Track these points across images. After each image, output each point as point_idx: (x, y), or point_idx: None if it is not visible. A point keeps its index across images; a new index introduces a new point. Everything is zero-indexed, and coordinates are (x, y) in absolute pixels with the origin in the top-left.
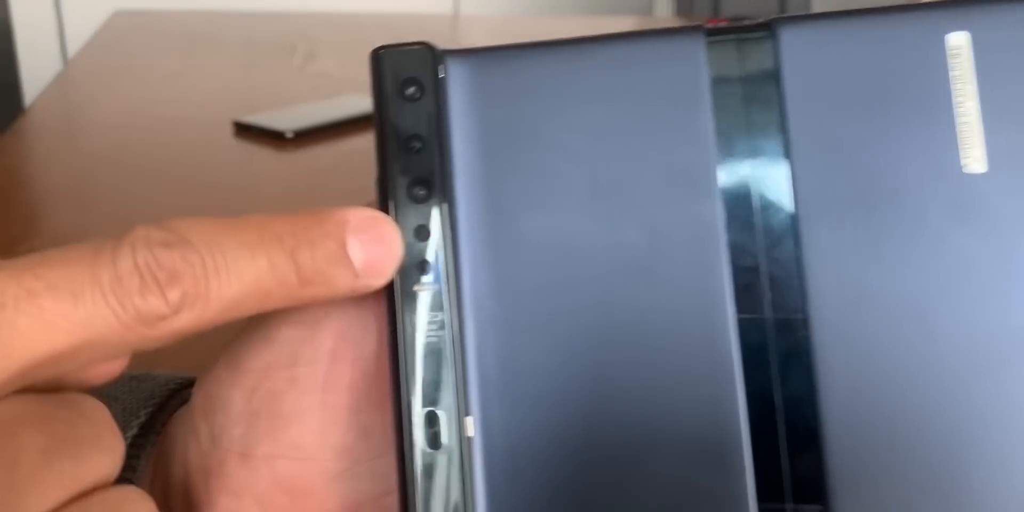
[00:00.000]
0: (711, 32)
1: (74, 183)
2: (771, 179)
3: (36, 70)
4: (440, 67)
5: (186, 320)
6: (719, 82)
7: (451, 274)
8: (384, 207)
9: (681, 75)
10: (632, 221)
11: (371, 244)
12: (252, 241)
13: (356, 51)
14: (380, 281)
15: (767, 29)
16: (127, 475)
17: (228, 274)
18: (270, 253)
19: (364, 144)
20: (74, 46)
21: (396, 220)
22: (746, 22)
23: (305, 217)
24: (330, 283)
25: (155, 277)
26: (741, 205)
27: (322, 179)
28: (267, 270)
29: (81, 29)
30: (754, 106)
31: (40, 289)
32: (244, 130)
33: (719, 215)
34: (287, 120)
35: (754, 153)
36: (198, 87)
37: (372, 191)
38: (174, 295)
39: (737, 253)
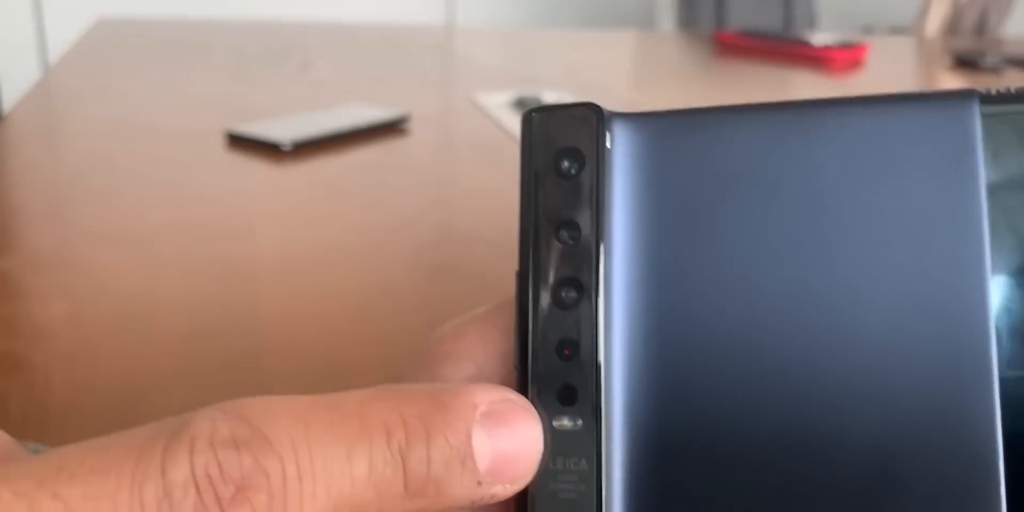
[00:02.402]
0: (986, 100)
1: (54, 197)
2: None
3: (14, 78)
4: (607, 134)
5: None
6: (993, 164)
7: (603, 408)
8: (524, 312)
9: (943, 152)
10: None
11: (504, 439)
12: (351, 435)
13: (354, 59)
14: (509, 490)
15: None
16: None
17: (315, 485)
18: (372, 453)
19: (367, 156)
20: (55, 55)
21: (535, 331)
22: None
23: (421, 395)
24: (445, 493)
25: (216, 494)
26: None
27: (323, 194)
28: (365, 477)
29: (62, 37)
30: None
31: None
32: (237, 142)
33: (991, 340)
34: (283, 131)
35: None
36: (187, 96)
37: (383, 214)
38: None
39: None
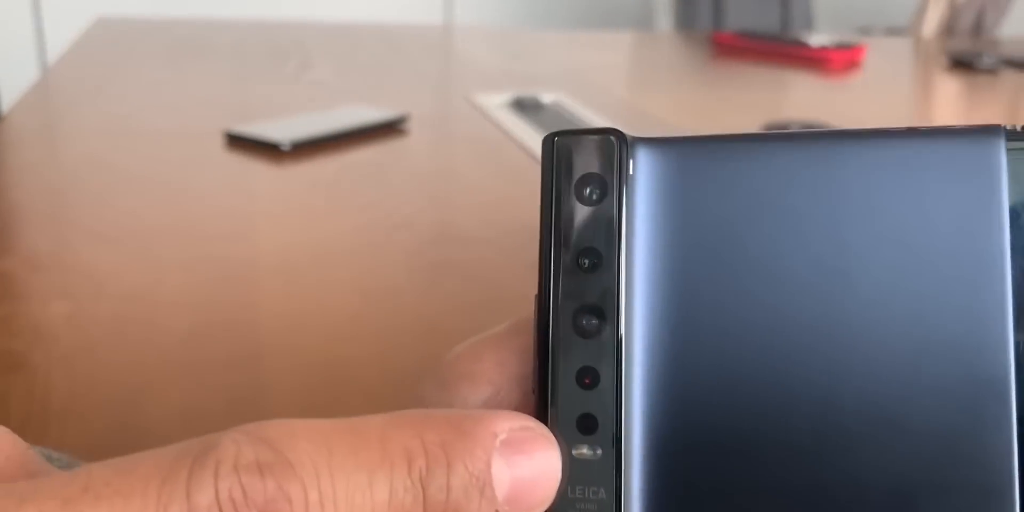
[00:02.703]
0: (1012, 136)
1: (53, 197)
2: None
3: (13, 78)
4: (630, 162)
5: None
6: (1019, 200)
7: (623, 438)
8: (544, 339)
9: (968, 189)
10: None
11: (522, 467)
12: (372, 461)
13: (353, 60)
14: None
15: None
16: None
17: (336, 510)
18: (394, 480)
19: (366, 156)
20: (54, 54)
21: (555, 359)
22: None
23: (442, 422)
24: None
25: None
26: None
27: (322, 194)
28: (386, 504)
29: (61, 37)
30: None
31: None
32: (236, 141)
33: (1011, 378)
34: (283, 131)
35: None
36: (186, 96)
37: (382, 214)
38: None
39: None
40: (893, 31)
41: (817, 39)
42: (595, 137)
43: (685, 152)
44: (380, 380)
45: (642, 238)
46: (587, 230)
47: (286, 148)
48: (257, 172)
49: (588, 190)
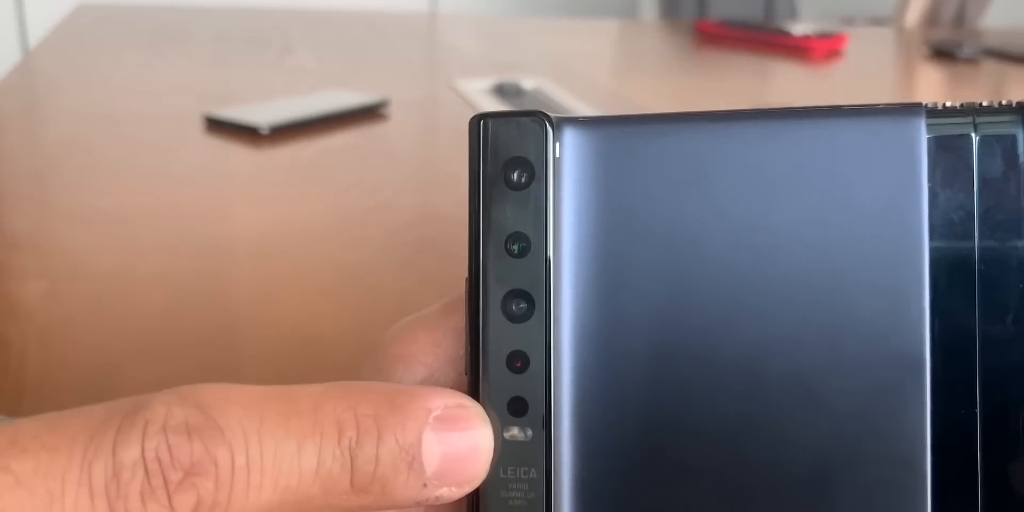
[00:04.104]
0: (932, 113)
1: (33, 178)
2: (998, 303)
3: None
4: (556, 145)
5: None
6: (939, 178)
7: (553, 420)
8: (475, 323)
9: (888, 166)
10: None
11: (453, 444)
12: (303, 430)
13: (335, 46)
14: (456, 493)
15: (1014, 113)
16: None
17: (262, 476)
18: (322, 448)
19: (345, 140)
20: (35, 38)
21: (486, 344)
22: (984, 103)
23: (377, 395)
24: (390, 492)
25: (164, 477)
26: (957, 337)
27: (300, 177)
28: (313, 472)
29: (43, 21)
30: (984, 209)
31: (7, 486)
32: (216, 125)
33: (927, 356)
34: (262, 115)
35: (972, 265)
36: (167, 80)
37: (359, 196)
38: (185, 503)
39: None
40: (877, 21)
41: (799, 28)
42: (521, 120)
43: (612, 133)
44: (354, 356)
45: (571, 221)
46: (515, 215)
47: (265, 132)
48: (236, 155)
49: (516, 174)
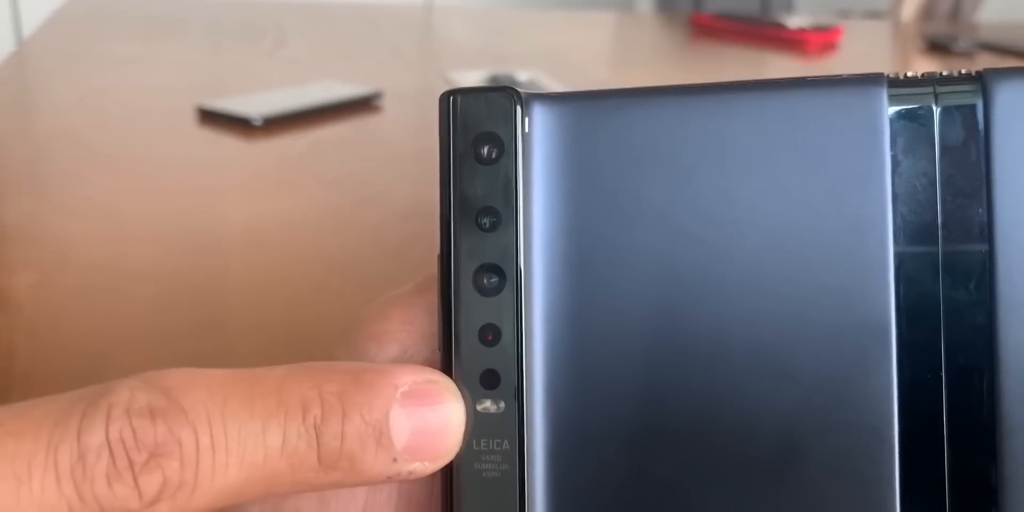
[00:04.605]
0: (893, 83)
1: (25, 170)
2: (961, 269)
3: None
4: (525, 120)
5: None
6: (901, 148)
7: (524, 391)
8: (447, 298)
9: (851, 137)
10: (783, 330)
11: (423, 418)
12: (267, 410)
13: (329, 38)
14: (428, 468)
15: (973, 82)
16: None
17: (228, 455)
18: (287, 427)
19: (338, 132)
20: (29, 29)
21: (458, 318)
22: (944, 73)
23: (342, 374)
24: (359, 468)
25: (129, 458)
26: (921, 303)
27: (293, 169)
28: (279, 449)
29: (37, 12)
30: (946, 177)
31: None
32: (209, 117)
33: (892, 323)
34: (255, 106)
35: (935, 232)
36: (160, 72)
37: (352, 188)
38: (150, 484)
39: (912, 359)
40: (872, 14)
41: (795, 21)
42: (490, 95)
43: (580, 108)
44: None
45: (541, 195)
46: (485, 189)
47: (258, 123)
48: (228, 147)
49: (485, 149)
